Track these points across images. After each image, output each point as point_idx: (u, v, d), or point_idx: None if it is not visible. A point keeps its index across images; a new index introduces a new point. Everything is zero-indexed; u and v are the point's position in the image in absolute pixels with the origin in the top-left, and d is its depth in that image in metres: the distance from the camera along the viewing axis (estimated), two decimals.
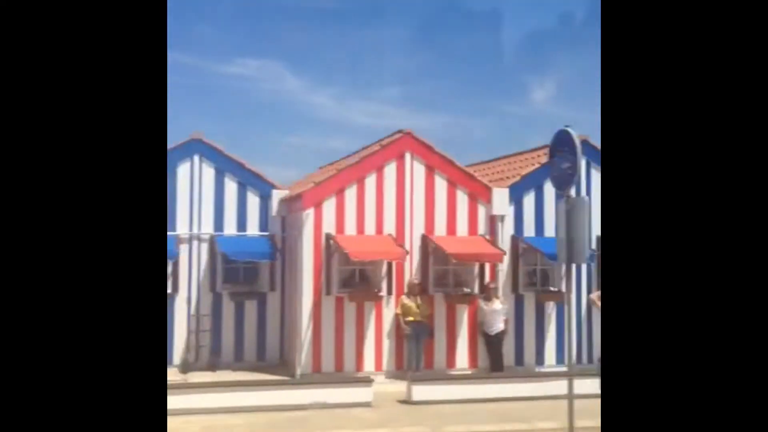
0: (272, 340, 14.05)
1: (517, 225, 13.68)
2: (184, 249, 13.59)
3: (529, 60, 38.60)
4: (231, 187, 13.96)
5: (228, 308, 13.84)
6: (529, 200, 13.85)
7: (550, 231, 12.81)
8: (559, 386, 9.38)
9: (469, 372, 13.01)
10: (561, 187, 7.88)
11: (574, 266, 13.74)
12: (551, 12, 42.42)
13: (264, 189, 14.12)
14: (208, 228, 13.77)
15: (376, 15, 38.09)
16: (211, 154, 13.90)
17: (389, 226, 13.02)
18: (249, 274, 14.10)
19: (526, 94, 38.36)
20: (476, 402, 10.79)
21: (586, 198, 8.00)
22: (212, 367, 13.25)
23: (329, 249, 12.74)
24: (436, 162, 13.32)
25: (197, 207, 13.76)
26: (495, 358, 12.88)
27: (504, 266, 13.47)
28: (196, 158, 13.82)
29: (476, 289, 13.29)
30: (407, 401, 10.91)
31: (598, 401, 4.03)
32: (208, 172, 13.84)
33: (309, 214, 12.75)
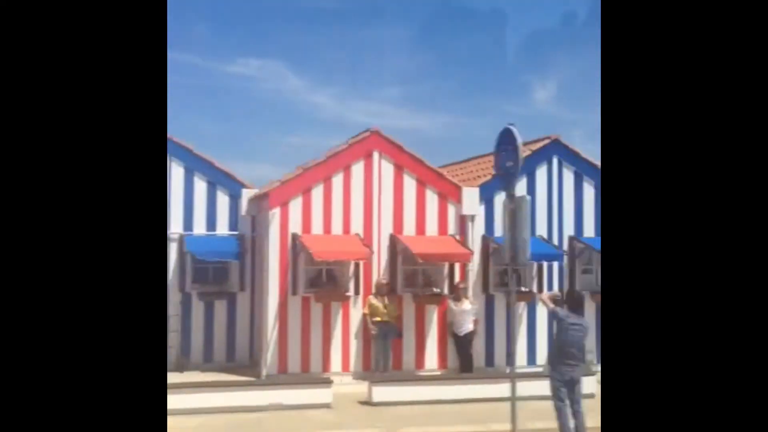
0: (242, 340, 13.94)
1: (488, 224, 13.54)
2: None
3: (529, 60, 38.57)
4: (200, 186, 13.84)
5: (197, 308, 13.73)
6: (499, 200, 13.55)
7: None
8: (528, 387, 9.30)
9: (439, 373, 12.89)
10: (505, 186, 7.74)
11: (545, 265, 13.69)
12: (551, 12, 42.33)
13: (234, 188, 13.99)
14: (177, 227, 13.63)
15: (376, 15, 38.04)
16: (180, 153, 13.75)
17: (357, 226, 12.89)
18: (218, 273, 13.98)
19: (527, 94, 38.28)
20: (439, 403, 10.71)
21: (528, 197, 7.84)
22: (181, 368, 13.11)
23: (295, 249, 12.63)
24: (405, 161, 13.19)
25: (166, 206, 13.64)
26: (464, 358, 12.75)
27: (474, 266, 13.35)
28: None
29: (446, 290, 13.18)
30: (368, 402, 10.81)
31: (598, 401, 4.04)
32: (178, 171, 13.71)
33: (275, 213, 12.64)
